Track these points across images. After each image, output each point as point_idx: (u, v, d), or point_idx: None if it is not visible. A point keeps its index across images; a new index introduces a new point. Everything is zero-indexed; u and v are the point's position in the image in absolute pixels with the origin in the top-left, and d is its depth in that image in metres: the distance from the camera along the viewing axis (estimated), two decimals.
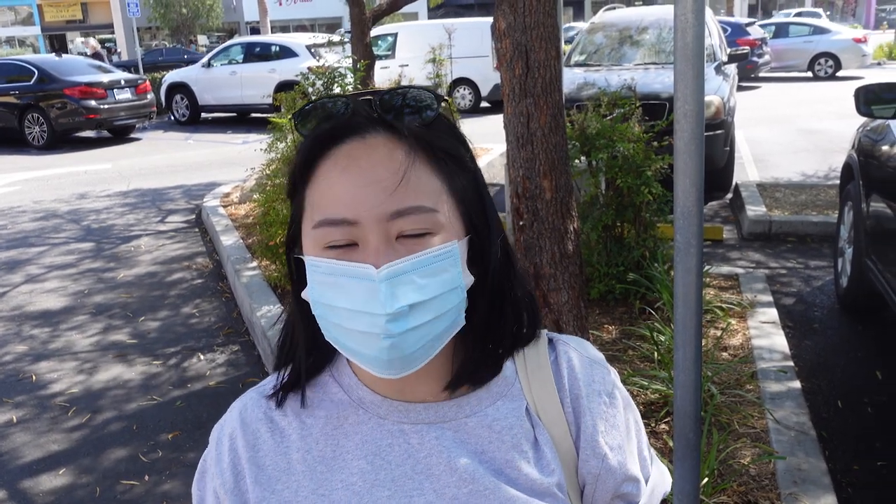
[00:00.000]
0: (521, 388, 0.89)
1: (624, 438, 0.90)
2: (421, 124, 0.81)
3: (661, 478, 0.96)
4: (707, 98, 7.37)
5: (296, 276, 0.85)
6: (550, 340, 0.93)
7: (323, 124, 0.81)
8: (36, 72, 14.31)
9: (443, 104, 0.83)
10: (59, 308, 5.82)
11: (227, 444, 0.90)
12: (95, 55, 19.46)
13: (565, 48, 9.14)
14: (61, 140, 14.31)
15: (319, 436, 0.88)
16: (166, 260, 6.95)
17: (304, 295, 0.82)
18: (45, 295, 6.13)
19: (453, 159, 0.83)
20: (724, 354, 4.07)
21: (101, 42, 37.17)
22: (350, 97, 0.82)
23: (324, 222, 0.78)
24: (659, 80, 7.76)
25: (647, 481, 0.93)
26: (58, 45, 39.05)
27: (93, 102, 14.05)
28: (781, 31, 21.26)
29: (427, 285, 0.77)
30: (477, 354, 0.87)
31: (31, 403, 4.31)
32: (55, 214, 8.94)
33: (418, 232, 0.77)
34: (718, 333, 4.28)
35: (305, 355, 0.89)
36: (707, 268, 5.21)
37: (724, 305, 4.64)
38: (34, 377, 4.64)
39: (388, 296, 0.75)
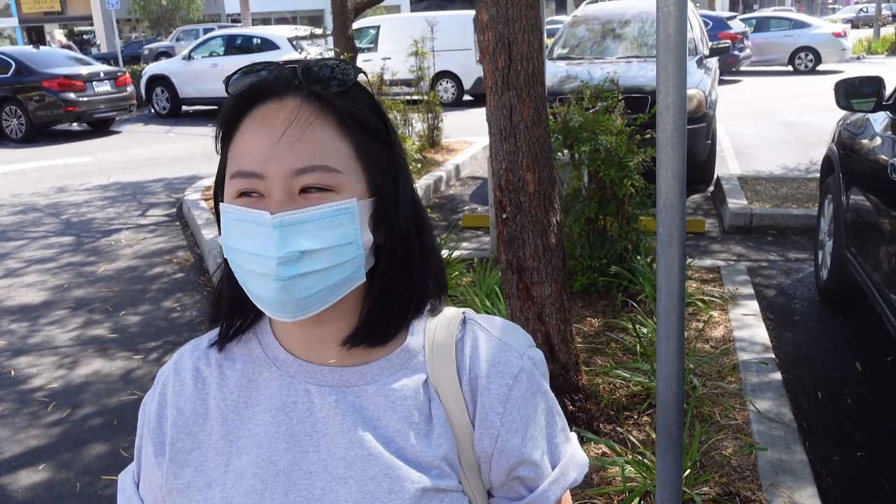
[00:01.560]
0: (425, 361, 0.93)
1: (524, 422, 0.92)
2: (336, 92, 0.88)
3: (571, 468, 0.97)
4: (689, 91, 7.31)
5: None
6: (465, 320, 0.96)
7: (247, 84, 0.89)
8: (13, 64, 14.12)
9: (360, 77, 0.90)
10: (39, 302, 5.76)
11: (159, 389, 0.99)
12: (65, 48, 19.17)
13: (547, 41, 9.13)
14: (40, 133, 14.16)
15: (234, 387, 0.95)
16: (147, 254, 6.89)
17: (217, 239, 0.89)
18: (24, 289, 6.06)
19: (365, 127, 0.89)
20: (706, 346, 4.10)
21: (77, 34, 36.75)
22: (277, 64, 0.90)
23: (237, 174, 0.86)
24: (641, 73, 7.77)
25: (555, 466, 0.96)
26: (35, 37, 38.55)
27: (72, 95, 13.90)
28: (762, 25, 21.38)
29: (320, 236, 0.84)
30: (375, 316, 0.92)
31: (9, 398, 4.26)
32: (34, 208, 8.83)
33: (320, 187, 0.84)
34: (700, 326, 4.30)
35: (229, 305, 0.95)
36: (689, 260, 5.23)
37: (705, 298, 4.67)
38: (13, 372, 4.59)
39: (279, 241, 0.82)
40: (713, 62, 9.06)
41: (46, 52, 15.57)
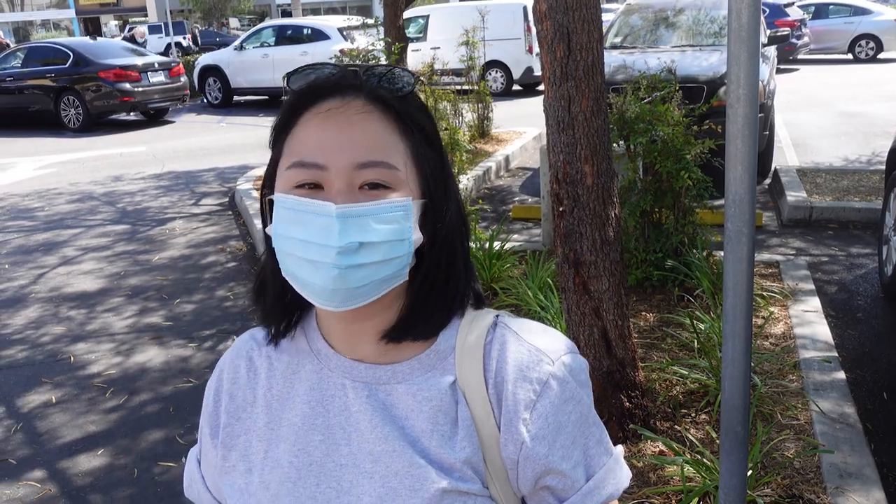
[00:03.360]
0: (455, 363, 0.93)
1: (552, 431, 0.90)
2: (397, 96, 0.91)
3: (609, 480, 0.94)
4: None
5: (269, 218, 0.93)
6: (496, 323, 0.96)
7: (311, 80, 0.92)
8: (71, 55, 14.42)
9: (418, 84, 0.93)
10: (96, 290, 5.87)
11: (217, 375, 1.04)
12: (132, 40, 19.63)
13: None
14: (96, 122, 14.44)
15: (280, 377, 0.99)
16: (200, 243, 6.98)
17: (267, 230, 0.91)
18: (82, 277, 6.19)
19: (421, 131, 0.92)
20: (766, 343, 3.99)
21: (132, 25, 37.37)
22: (339, 65, 0.93)
23: (297, 164, 0.88)
24: (697, 63, 7.61)
25: (589, 479, 0.93)
26: (92, 28, 39.39)
27: (127, 85, 14.15)
28: (821, 12, 20.76)
29: (379, 230, 0.86)
30: (415, 314, 0.94)
31: (69, 384, 4.35)
32: (91, 196, 9.02)
33: (379, 183, 0.87)
34: (760, 322, 4.19)
35: (273, 303, 0.98)
36: None
37: (764, 293, 4.55)
38: (72, 358, 4.69)
39: (341, 231, 0.84)
40: (771, 51, 8.83)
41: (103, 43, 15.88)
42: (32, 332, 5.11)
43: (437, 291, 0.95)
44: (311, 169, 0.86)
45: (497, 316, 0.97)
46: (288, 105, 0.92)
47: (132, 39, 19.64)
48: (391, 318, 0.94)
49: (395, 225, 0.87)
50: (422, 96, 6.59)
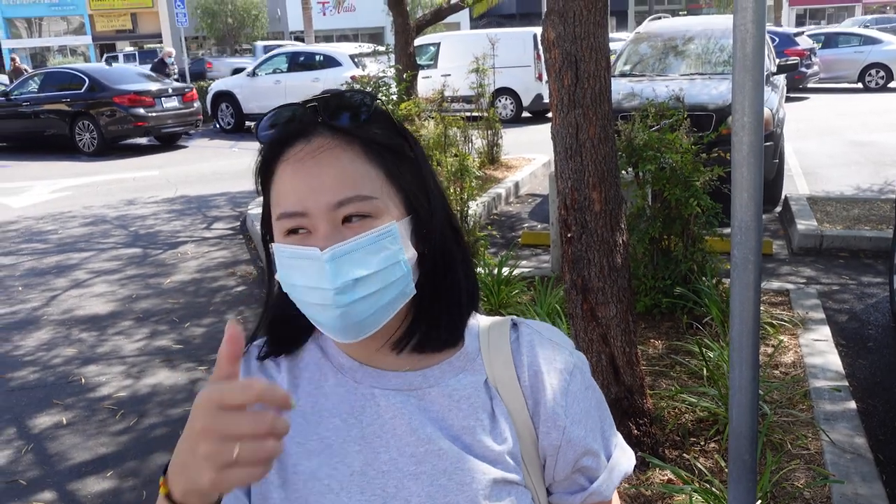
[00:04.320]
0: (483, 363, 0.98)
1: (584, 414, 0.98)
2: (357, 122, 0.93)
3: (623, 458, 1.02)
4: None
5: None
6: (515, 324, 1.02)
7: (275, 131, 0.94)
8: (87, 80, 14.62)
9: (376, 102, 0.95)
10: (107, 313, 5.91)
11: None
12: (161, 63, 19.65)
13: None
14: (110, 147, 14.59)
15: (302, 393, 1.00)
16: (211, 267, 7.03)
17: (276, 276, 0.95)
18: (94, 299, 6.23)
19: (389, 150, 0.94)
20: (776, 372, 3.98)
21: (147, 51, 37.79)
22: (299, 104, 0.95)
23: (282, 215, 0.91)
24: (706, 91, 7.65)
25: (609, 458, 1.00)
26: (107, 54, 39.91)
27: (141, 110, 14.31)
28: (831, 41, 20.85)
29: (369, 262, 0.89)
30: (421, 321, 0.97)
31: (79, 406, 4.37)
32: (104, 220, 9.10)
33: (360, 215, 0.89)
34: (770, 350, 4.18)
35: (286, 328, 1.01)
36: None
37: (774, 322, 4.54)
38: (83, 380, 4.72)
39: (332, 273, 0.87)
40: (780, 79, 8.87)
41: (118, 69, 16.12)
42: (44, 354, 5.14)
43: (439, 298, 0.98)
44: (294, 217, 0.90)
45: (511, 318, 1.04)
46: (262, 157, 0.95)
47: (161, 62, 19.70)
48: (404, 328, 0.98)
49: (385, 252, 0.90)
50: (431, 123, 6.64)
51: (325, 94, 0.95)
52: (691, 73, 8.39)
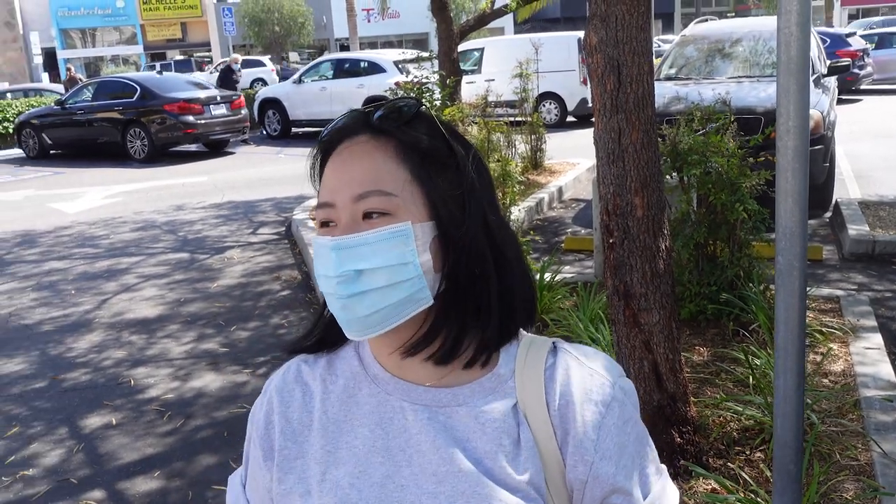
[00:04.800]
0: (515, 387, 0.96)
1: (618, 450, 0.94)
2: (396, 124, 0.95)
3: (662, 498, 0.98)
4: None
5: None
6: (555, 347, 0.99)
7: (329, 132, 0.99)
8: (138, 88, 14.97)
9: (422, 107, 0.97)
10: (155, 316, 6.04)
11: (267, 398, 1.06)
12: (228, 70, 19.93)
13: (655, 61, 8.97)
14: (161, 153, 14.91)
15: (336, 401, 1.01)
16: (256, 271, 7.13)
17: None
18: (143, 303, 6.37)
19: (422, 153, 0.94)
20: (825, 381, 3.89)
21: (197, 60, 38.51)
22: (354, 110, 0.99)
23: (318, 205, 0.95)
24: (753, 94, 7.53)
25: (646, 497, 0.96)
26: (159, 63, 40.80)
27: (190, 118, 14.59)
28: (885, 41, 20.35)
29: (374, 256, 0.90)
30: (433, 334, 0.95)
31: (128, 407, 4.47)
32: (153, 225, 9.30)
33: (379, 212, 0.91)
34: (818, 359, 4.09)
35: (328, 325, 1.02)
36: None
37: (824, 329, 4.44)
38: (132, 381, 4.82)
39: (336, 262, 0.90)
40: (831, 81, 8.69)
41: (169, 78, 16.44)
42: (95, 356, 5.27)
43: (461, 314, 0.96)
44: (325, 208, 0.94)
45: (553, 341, 1.00)
46: (313, 156, 1.01)
47: (229, 70, 19.99)
48: (435, 344, 0.96)
49: (395, 251, 0.90)
50: (475, 128, 6.65)
51: (380, 100, 0.99)
52: (739, 76, 8.26)
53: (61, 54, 40.26)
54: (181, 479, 3.70)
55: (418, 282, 0.92)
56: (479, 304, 0.96)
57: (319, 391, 1.02)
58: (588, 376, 0.96)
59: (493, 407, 0.95)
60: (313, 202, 9.17)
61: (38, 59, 37.10)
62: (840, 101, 13.16)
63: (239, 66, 20.64)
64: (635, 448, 0.96)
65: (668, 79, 8.53)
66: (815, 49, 8.70)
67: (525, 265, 1.01)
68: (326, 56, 19.45)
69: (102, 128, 15.20)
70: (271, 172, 12.66)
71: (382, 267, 0.90)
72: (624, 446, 0.95)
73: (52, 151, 16.30)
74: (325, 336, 1.04)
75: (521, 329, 1.01)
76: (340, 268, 0.90)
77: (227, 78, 19.18)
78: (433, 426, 0.95)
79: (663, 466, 1.02)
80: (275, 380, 1.07)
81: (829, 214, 7.57)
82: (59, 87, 23.62)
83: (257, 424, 1.05)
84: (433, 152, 0.95)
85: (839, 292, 5.23)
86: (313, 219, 8.36)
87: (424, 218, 0.93)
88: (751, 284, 4.58)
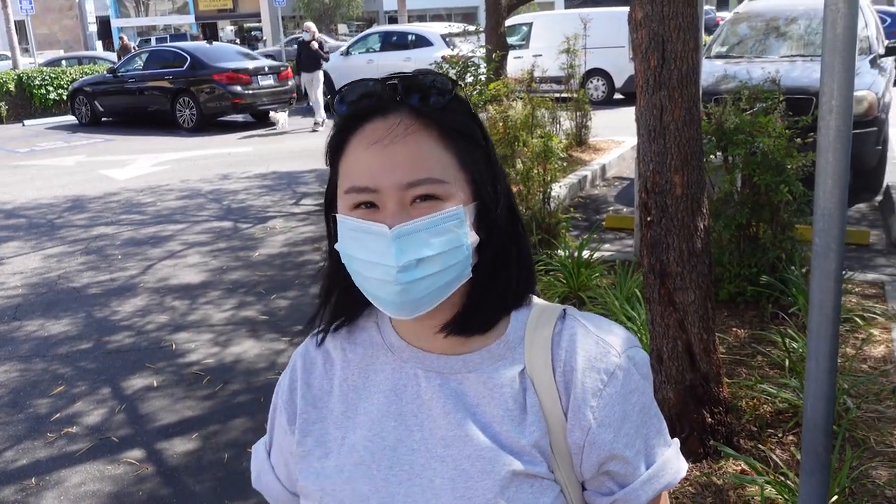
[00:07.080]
0: (524, 352, 0.98)
1: (620, 419, 0.95)
2: (438, 106, 0.93)
3: (667, 469, 0.98)
4: (859, 93, 6.91)
5: (333, 232, 1.00)
6: (565, 315, 1.00)
7: (353, 105, 0.95)
8: (189, 58, 15.15)
9: (457, 87, 0.95)
10: (198, 283, 6.16)
11: (291, 367, 1.10)
12: (317, 45, 16.33)
13: (705, 39, 8.77)
14: (208, 123, 15.10)
15: (355, 368, 1.04)
16: (297, 241, 7.22)
17: (336, 246, 0.97)
18: (187, 269, 6.50)
19: (464, 136, 0.95)
20: (864, 366, 3.82)
21: (246, 30, 38.69)
22: (377, 81, 0.96)
23: (352, 189, 0.93)
24: (806, 73, 7.34)
25: (649, 467, 0.97)
26: (209, 32, 41.20)
27: (238, 88, 14.74)
28: None
29: (433, 243, 0.90)
30: (473, 307, 0.98)
31: (169, 370, 4.59)
32: (199, 194, 9.45)
33: (430, 195, 0.91)
34: (858, 343, 4.01)
35: (341, 299, 1.05)
36: (849, 274, 4.89)
37: (866, 314, 4.35)
38: (174, 346, 4.94)
39: (398, 251, 0.89)
40: (889, 62, 8.41)
41: (219, 48, 16.59)
42: (139, 320, 5.40)
43: (494, 285, 0.99)
44: (364, 193, 0.92)
45: (565, 309, 1.02)
46: (336, 130, 0.97)
47: (305, 45, 14.50)
48: (455, 313, 0.99)
49: (449, 235, 0.92)
50: (519, 104, 6.61)
51: (404, 74, 0.96)
52: (792, 55, 8.05)
53: (115, 23, 40.86)
54: (218, 442, 3.79)
55: (466, 262, 0.95)
56: (506, 273, 0.99)
57: (340, 360, 1.06)
58: (594, 344, 0.97)
59: (502, 373, 0.98)
60: None
61: (93, 28, 37.73)
62: None
63: (312, 34, 14.64)
64: (640, 418, 0.97)
65: (719, 57, 8.35)
66: (874, 28, 8.43)
67: (526, 232, 1.05)
68: (374, 28, 19.41)
69: (153, 96, 15.44)
70: (316, 144, 12.74)
71: (440, 253, 0.91)
72: (626, 415, 0.96)
73: (103, 119, 16.62)
74: (340, 312, 1.07)
75: (531, 294, 1.04)
76: (403, 258, 0.90)
77: (308, 53, 14.54)
78: (444, 392, 0.98)
79: (675, 441, 1.03)
80: (299, 351, 1.11)
81: (879, 199, 7.38)
82: (112, 56, 24.02)
83: (282, 391, 1.09)
84: (471, 134, 0.97)
85: (884, 277, 5.12)
86: None
87: (468, 200, 0.95)
88: (792, 267, 4.51)
